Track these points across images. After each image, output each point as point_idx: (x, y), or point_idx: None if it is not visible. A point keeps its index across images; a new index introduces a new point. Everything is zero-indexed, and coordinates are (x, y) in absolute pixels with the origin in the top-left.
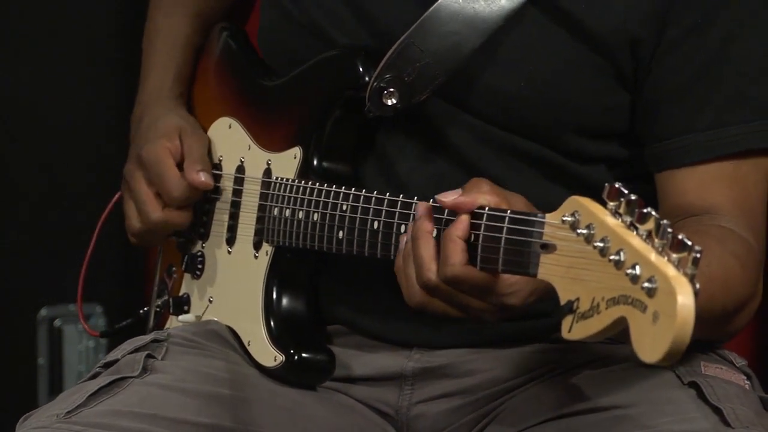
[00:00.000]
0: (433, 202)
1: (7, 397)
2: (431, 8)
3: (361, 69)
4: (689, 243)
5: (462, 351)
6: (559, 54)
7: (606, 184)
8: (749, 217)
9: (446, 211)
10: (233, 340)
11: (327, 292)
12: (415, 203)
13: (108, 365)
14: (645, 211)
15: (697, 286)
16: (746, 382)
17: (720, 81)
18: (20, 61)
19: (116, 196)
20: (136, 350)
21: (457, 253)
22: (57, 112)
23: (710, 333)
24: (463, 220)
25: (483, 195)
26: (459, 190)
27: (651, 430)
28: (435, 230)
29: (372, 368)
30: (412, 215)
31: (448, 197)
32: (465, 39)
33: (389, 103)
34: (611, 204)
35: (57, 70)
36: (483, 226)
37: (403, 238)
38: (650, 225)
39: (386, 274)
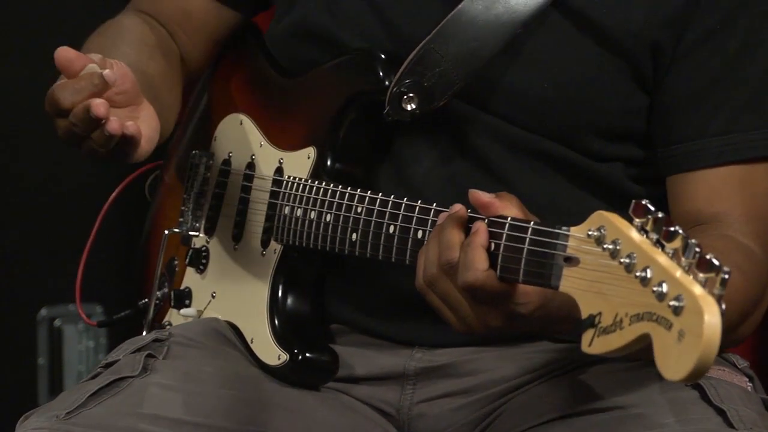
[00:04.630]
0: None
1: (7, 397)
2: (451, 14)
3: (381, 73)
4: (717, 263)
5: (464, 350)
6: (583, 57)
7: (633, 201)
8: (758, 225)
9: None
10: (235, 337)
11: (330, 291)
12: (434, 209)
13: (109, 365)
14: (672, 229)
15: (723, 306)
16: (748, 384)
17: (734, 88)
18: (20, 61)
19: (113, 195)
20: (137, 350)
21: (481, 260)
22: None
23: None
24: (483, 229)
25: (511, 207)
26: (493, 195)
27: (654, 431)
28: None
29: (374, 367)
30: (430, 221)
31: (486, 196)
32: (484, 44)
33: (409, 108)
34: (638, 220)
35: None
36: (505, 236)
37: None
38: (677, 243)
39: (388, 274)
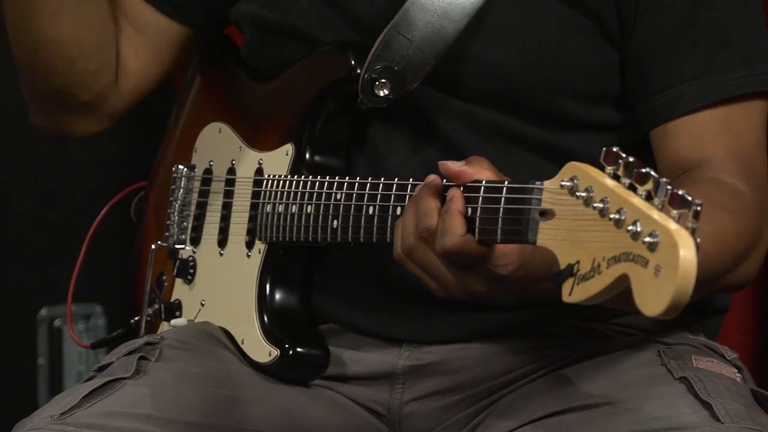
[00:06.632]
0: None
1: (7, 397)
2: None
3: (352, 62)
4: (689, 198)
5: (451, 347)
6: (545, 16)
7: (604, 149)
8: (743, 164)
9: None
10: (227, 340)
11: (316, 289)
12: (410, 184)
13: (102, 369)
14: (644, 171)
15: (698, 240)
16: (737, 375)
17: (703, 30)
18: None
19: (117, 197)
20: (130, 353)
21: (458, 225)
22: None
23: (714, 289)
24: (459, 196)
25: (483, 170)
26: (462, 162)
27: (642, 426)
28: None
29: (363, 367)
30: (408, 196)
31: (455, 165)
32: (449, 22)
33: (382, 93)
34: (609, 168)
35: None
36: (481, 198)
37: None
38: (650, 185)
39: (375, 270)
